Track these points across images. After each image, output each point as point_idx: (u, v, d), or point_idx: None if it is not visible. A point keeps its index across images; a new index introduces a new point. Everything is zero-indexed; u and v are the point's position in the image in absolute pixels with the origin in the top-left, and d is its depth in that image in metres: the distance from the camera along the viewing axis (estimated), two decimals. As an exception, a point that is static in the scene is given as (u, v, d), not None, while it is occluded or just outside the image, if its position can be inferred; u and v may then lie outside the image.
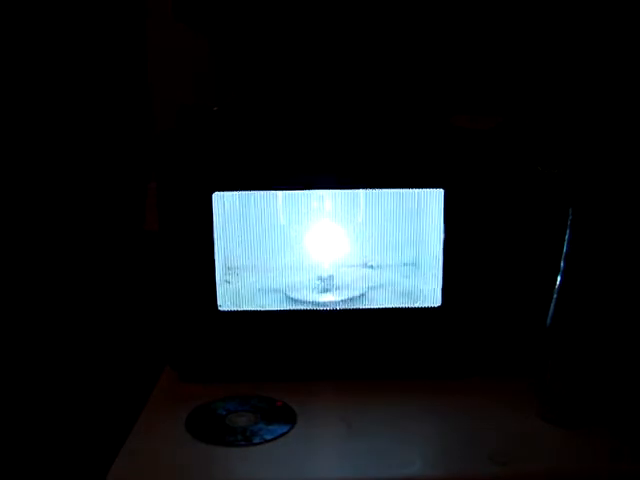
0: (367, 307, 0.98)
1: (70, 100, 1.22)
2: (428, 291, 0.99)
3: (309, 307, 0.99)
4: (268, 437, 0.83)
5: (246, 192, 0.96)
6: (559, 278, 0.85)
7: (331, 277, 1.05)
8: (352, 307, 0.99)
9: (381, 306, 0.97)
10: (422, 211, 1.00)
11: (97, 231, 1.27)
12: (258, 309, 0.98)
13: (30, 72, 1.20)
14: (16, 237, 1.26)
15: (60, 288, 1.28)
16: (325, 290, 1.04)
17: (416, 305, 0.97)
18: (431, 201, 0.96)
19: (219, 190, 0.92)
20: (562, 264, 0.84)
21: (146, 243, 1.27)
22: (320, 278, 1.05)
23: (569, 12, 1.16)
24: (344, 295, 1.03)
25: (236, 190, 0.94)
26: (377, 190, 0.97)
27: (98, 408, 1.29)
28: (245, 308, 0.98)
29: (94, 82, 1.22)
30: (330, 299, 1.03)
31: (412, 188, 0.95)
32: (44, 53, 1.20)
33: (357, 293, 1.03)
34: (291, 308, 1.00)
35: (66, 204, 1.25)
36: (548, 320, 0.86)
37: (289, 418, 0.87)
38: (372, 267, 1.06)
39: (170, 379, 0.98)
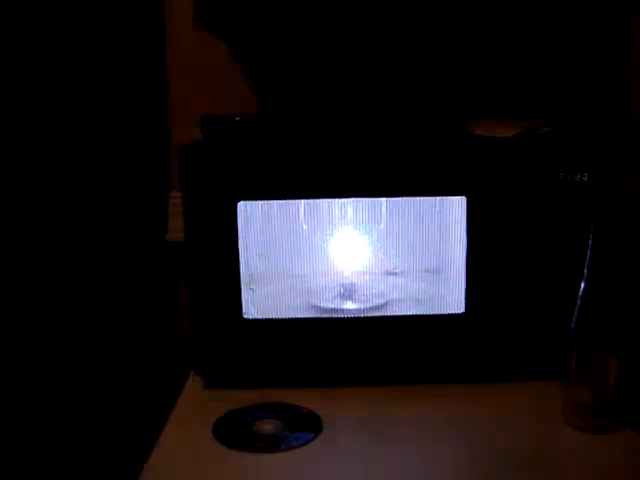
0: (391, 314, 0.99)
1: (89, 109, 1.24)
2: (451, 298, 0.99)
3: (333, 315, 1.00)
4: (294, 444, 0.84)
5: (270, 201, 0.98)
6: (583, 284, 0.85)
7: (354, 284, 1.06)
8: (376, 314, 0.99)
9: (404, 313, 0.98)
10: (444, 218, 1.01)
11: (120, 241, 1.28)
12: (282, 317, 0.99)
13: (47, 85, 1.22)
14: (36, 246, 1.27)
15: (84, 298, 1.29)
16: (348, 297, 1.05)
17: (439, 312, 0.98)
18: (453, 208, 0.97)
19: (244, 199, 0.93)
20: (585, 270, 0.85)
21: (169, 252, 1.29)
22: (343, 285, 1.06)
23: (592, 17, 1.16)
24: (367, 302, 1.03)
25: (260, 199, 0.95)
26: (399, 198, 0.98)
27: (124, 416, 1.30)
28: (269, 316, 0.99)
29: (112, 90, 1.23)
30: (353, 306, 1.03)
31: (434, 196, 0.96)
32: (65, 67, 1.22)
33: (380, 300, 1.03)
34: (315, 316, 1.01)
35: (90, 216, 1.27)
36: (572, 326, 0.86)
37: (315, 425, 0.88)
38: (395, 274, 1.07)
39: (195, 385, 0.99)
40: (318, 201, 1.00)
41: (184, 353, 1.30)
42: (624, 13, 1.14)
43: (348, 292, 1.05)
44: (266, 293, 1.04)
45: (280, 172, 0.93)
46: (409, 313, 0.98)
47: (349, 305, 1.04)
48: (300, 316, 1.00)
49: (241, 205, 0.93)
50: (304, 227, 1.03)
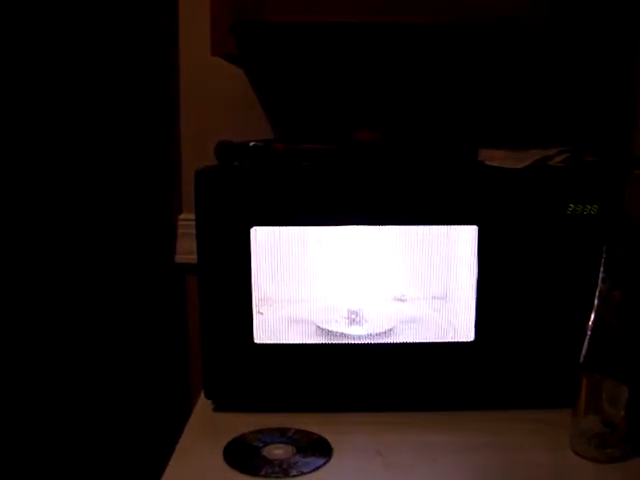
0: (400, 341, 1.00)
1: (100, 131, 1.25)
2: (460, 326, 1.00)
3: (342, 340, 1.01)
4: (305, 470, 0.84)
5: (282, 227, 0.98)
6: (592, 315, 0.86)
7: (362, 310, 1.07)
8: (386, 341, 1.00)
9: (413, 340, 0.99)
10: (452, 246, 1.02)
11: (130, 263, 1.29)
12: (292, 342, 0.99)
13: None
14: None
15: (94, 319, 1.30)
16: (356, 323, 1.06)
17: (448, 340, 0.98)
18: (463, 237, 0.98)
19: (257, 225, 0.94)
20: (595, 301, 0.86)
21: (177, 274, 1.29)
22: (351, 311, 1.06)
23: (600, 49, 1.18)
24: (376, 328, 1.04)
25: (273, 225, 0.96)
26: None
27: (133, 439, 1.29)
28: (280, 341, 0.99)
29: (121, 113, 1.25)
30: (361, 332, 1.04)
31: (447, 225, 0.97)
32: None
33: (388, 326, 1.04)
34: (324, 341, 1.01)
35: (101, 237, 1.28)
36: (582, 355, 0.87)
37: (325, 451, 0.88)
38: (403, 301, 1.07)
39: (205, 409, 1.00)
40: (329, 228, 1.01)
41: (188, 374, 1.31)
42: (629, 47, 1.16)
43: (357, 318, 1.06)
44: (276, 318, 1.04)
45: (292, 199, 0.94)
46: (418, 340, 0.99)
47: (357, 330, 1.04)
48: (309, 341, 1.01)
49: (254, 230, 0.94)
50: (314, 253, 1.04)
